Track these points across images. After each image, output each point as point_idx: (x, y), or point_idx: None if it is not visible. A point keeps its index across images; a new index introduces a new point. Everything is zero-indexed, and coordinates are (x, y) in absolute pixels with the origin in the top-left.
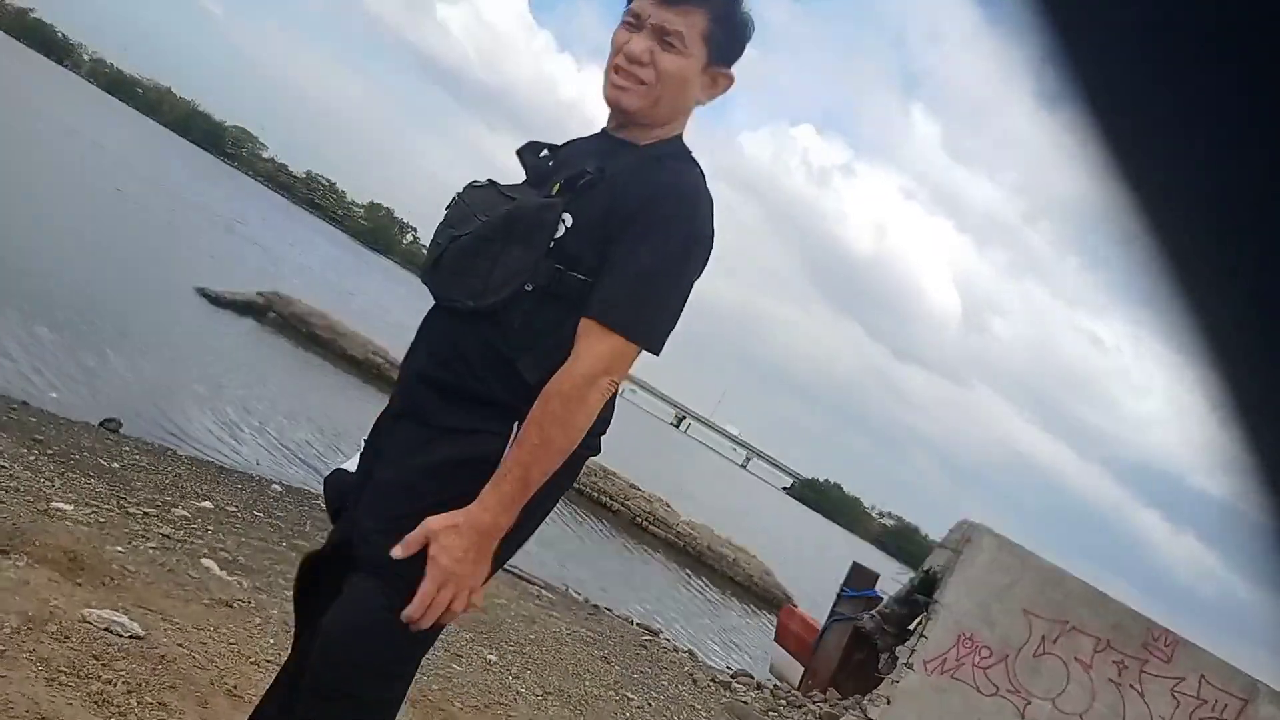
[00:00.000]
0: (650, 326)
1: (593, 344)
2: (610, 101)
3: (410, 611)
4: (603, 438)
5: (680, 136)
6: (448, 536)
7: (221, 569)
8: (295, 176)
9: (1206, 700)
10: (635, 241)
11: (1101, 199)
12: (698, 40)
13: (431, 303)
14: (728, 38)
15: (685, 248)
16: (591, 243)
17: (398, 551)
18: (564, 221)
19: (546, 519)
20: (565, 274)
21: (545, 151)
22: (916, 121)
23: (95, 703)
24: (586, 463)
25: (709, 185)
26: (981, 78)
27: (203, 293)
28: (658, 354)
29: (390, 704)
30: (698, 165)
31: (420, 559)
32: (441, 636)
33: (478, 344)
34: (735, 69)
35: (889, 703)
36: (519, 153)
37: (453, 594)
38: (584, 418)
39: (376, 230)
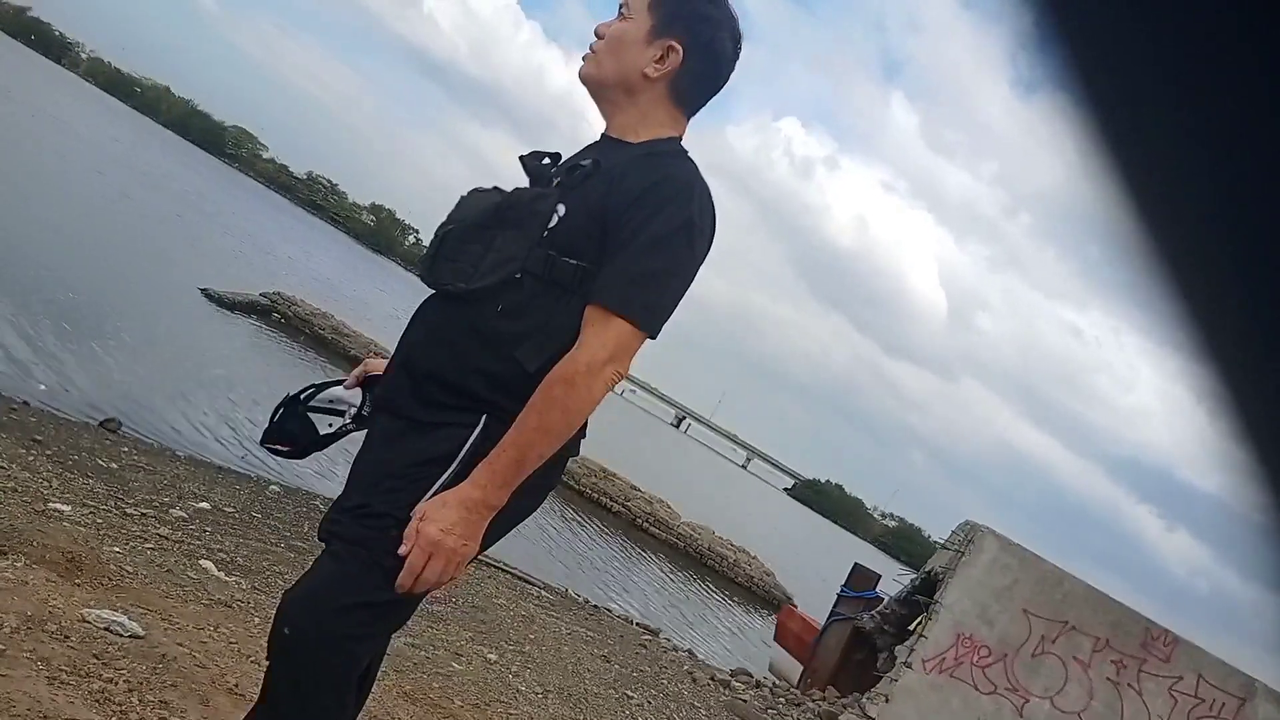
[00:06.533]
0: (654, 314)
1: (599, 331)
2: (580, 79)
3: (400, 581)
4: (602, 440)
5: (677, 139)
6: (435, 510)
7: (219, 570)
8: (296, 178)
9: (1204, 699)
10: (636, 231)
11: (1083, 188)
12: (643, 9)
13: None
14: (674, 7)
15: (687, 235)
16: (586, 232)
17: (402, 550)
18: (558, 211)
19: (545, 523)
20: (558, 260)
21: (547, 159)
22: (896, 113)
23: (97, 701)
24: (587, 463)
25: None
26: (959, 63)
27: (206, 293)
28: (655, 339)
29: (337, 673)
30: (692, 161)
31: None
32: (441, 635)
33: (461, 329)
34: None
35: (887, 700)
36: (522, 159)
37: (441, 565)
38: (587, 404)
39: (379, 232)
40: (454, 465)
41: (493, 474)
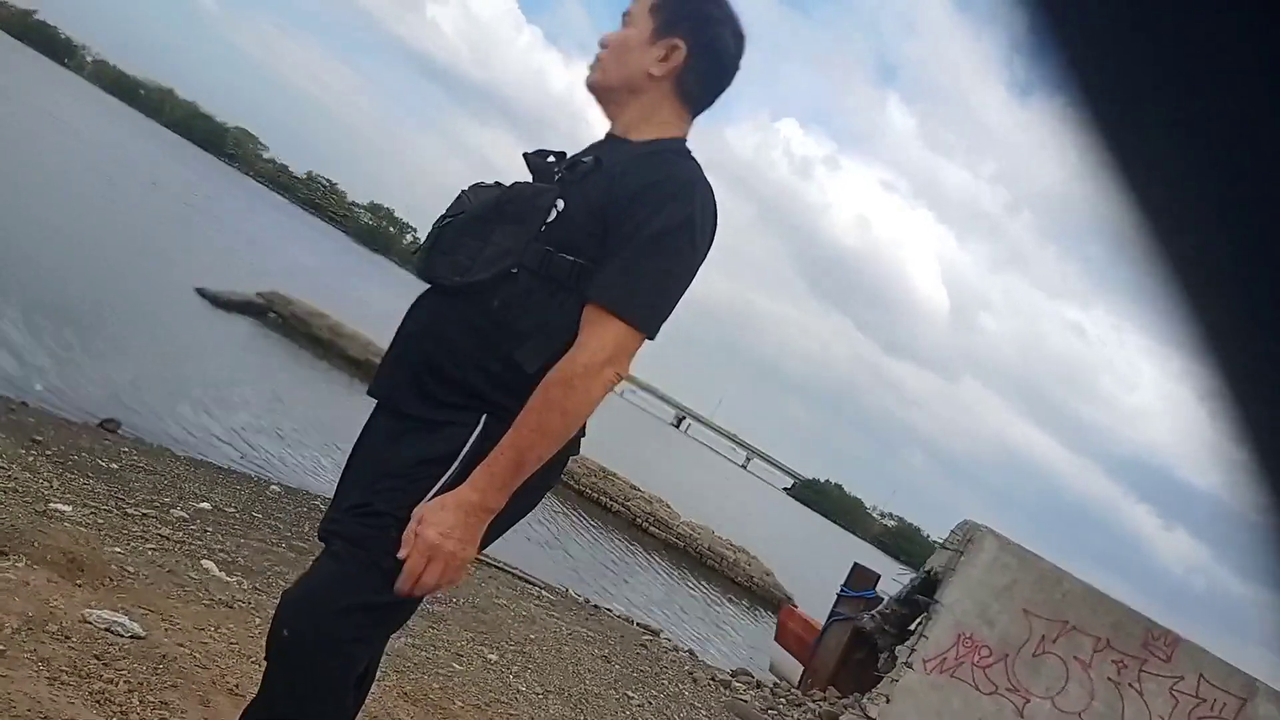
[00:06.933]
0: (653, 315)
1: (597, 332)
2: (587, 88)
3: (399, 584)
4: (602, 440)
5: (680, 139)
6: (434, 513)
7: (220, 570)
8: (296, 177)
9: (1205, 699)
10: (637, 229)
11: (1084, 187)
12: (644, 13)
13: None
14: (675, 9)
15: (688, 234)
16: (586, 229)
17: (401, 553)
18: (556, 206)
19: (545, 523)
20: (555, 256)
21: (552, 158)
22: (893, 115)
23: (97, 702)
24: (586, 463)
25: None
26: (955, 66)
27: (202, 293)
28: (654, 339)
29: (334, 674)
30: (694, 160)
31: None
32: (442, 636)
33: (458, 323)
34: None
35: (888, 701)
36: (526, 156)
37: (440, 569)
38: (585, 406)
39: (377, 230)
40: (454, 466)
41: (491, 477)
